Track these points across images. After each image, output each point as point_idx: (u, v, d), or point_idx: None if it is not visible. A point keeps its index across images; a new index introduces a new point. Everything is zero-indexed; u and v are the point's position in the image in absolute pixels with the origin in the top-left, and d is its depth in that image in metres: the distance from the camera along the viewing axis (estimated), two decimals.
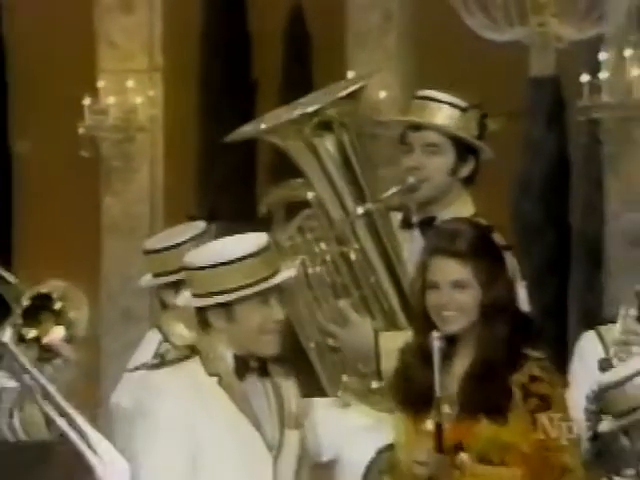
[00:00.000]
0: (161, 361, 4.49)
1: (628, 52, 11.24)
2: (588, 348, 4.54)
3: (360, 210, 4.46)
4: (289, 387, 4.16)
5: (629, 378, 3.98)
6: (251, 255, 3.99)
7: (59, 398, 3.05)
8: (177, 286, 4.87)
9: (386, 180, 4.96)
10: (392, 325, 4.44)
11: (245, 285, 3.97)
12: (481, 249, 3.97)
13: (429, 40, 11.76)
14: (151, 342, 5.28)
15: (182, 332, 4.97)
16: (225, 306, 3.99)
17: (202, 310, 4.04)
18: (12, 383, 3.88)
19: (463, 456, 3.87)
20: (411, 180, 4.63)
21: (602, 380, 4.06)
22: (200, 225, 5.33)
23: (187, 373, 4.07)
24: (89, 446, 3.02)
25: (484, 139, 4.79)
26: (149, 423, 3.96)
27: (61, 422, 3.04)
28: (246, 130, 4.66)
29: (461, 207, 4.73)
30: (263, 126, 4.60)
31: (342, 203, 4.51)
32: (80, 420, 3.03)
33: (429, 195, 4.72)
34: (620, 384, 3.98)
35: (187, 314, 4.53)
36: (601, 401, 4.02)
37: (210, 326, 4.04)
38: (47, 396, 3.06)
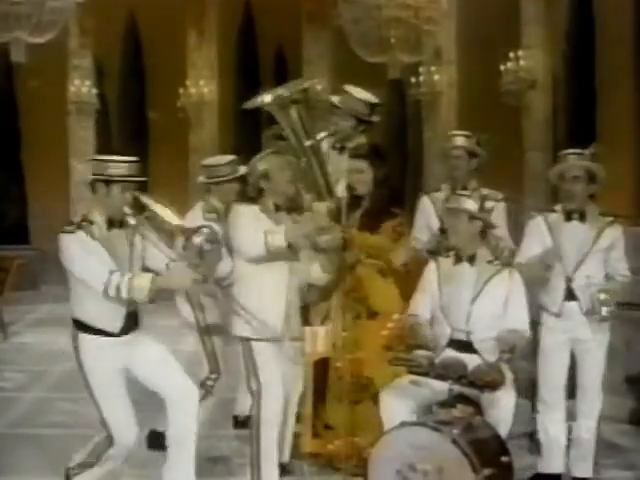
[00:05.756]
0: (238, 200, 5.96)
1: (433, 68, 16.95)
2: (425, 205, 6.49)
3: (307, 143, 5.47)
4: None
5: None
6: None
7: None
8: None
9: (320, 129, 5.91)
10: (321, 198, 5.65)
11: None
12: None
13: (348, 58, 14.85)
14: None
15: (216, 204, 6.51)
16: (267, 174, 5.53)
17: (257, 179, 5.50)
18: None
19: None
20: (331, 130, 5.93)
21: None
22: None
23: (249, 207, 5.65)
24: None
25: (375, 113, 6.16)
26: (235, 222, 5.57)
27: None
28: (251, 102, 5.48)
29: (357, 141, 6.09)
30: (259, 100, 5.45)
31: (298, 139, 5.51)
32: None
33: (342, 137, 6.01)
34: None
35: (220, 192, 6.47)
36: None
37: (261, 187, 5.54)
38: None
